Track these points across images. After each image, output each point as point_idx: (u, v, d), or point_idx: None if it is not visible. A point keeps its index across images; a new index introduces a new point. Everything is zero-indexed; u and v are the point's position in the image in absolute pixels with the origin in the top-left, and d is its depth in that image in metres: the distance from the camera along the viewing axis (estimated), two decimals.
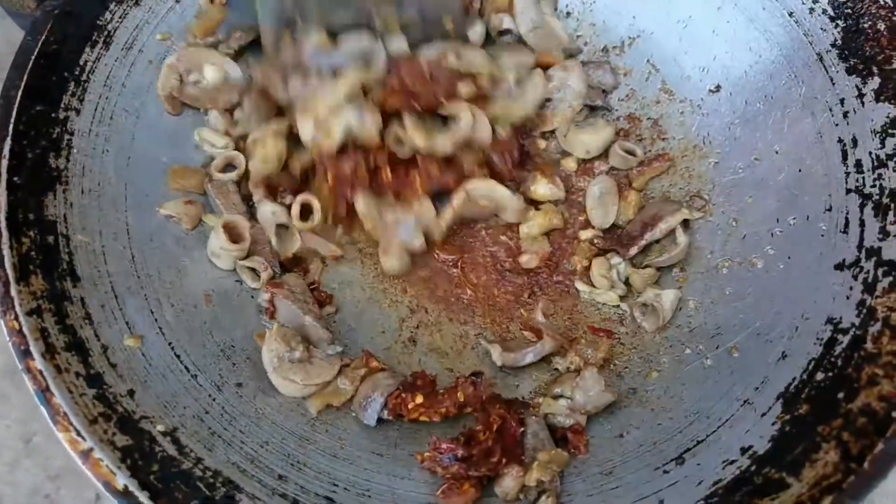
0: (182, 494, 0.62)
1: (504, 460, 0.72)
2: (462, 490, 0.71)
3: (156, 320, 0.76)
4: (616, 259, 0.89)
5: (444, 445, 0.72)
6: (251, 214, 0.88)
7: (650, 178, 0.96)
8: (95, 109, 0.82)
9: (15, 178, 0.71)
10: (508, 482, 0.71)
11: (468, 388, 0.77)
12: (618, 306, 0.88)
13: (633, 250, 0.88)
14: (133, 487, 0.60)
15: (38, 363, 0.63)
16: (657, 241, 0.89)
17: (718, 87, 0.94)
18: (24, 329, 0.64)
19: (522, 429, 0.75)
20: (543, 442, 0.75)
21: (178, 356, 0.75)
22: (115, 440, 0.63)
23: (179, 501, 0.62)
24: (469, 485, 0.71)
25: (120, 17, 0.85)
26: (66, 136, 0.78)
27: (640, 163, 0.96)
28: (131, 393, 0.68)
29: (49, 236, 0.72)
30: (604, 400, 0.78)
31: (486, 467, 0.71)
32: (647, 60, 0.99)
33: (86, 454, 0.61)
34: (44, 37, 0.78)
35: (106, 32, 0.84)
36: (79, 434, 0.61)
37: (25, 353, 0.64)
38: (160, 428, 0.67)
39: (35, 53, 0.77)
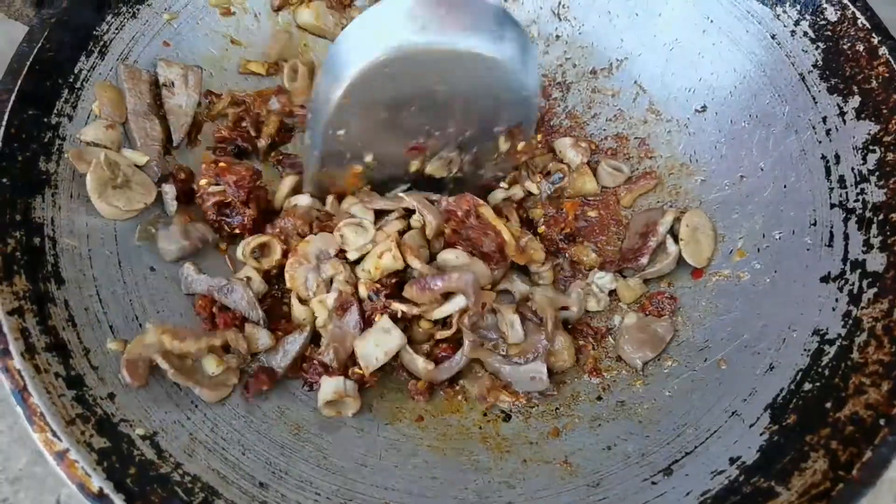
0: (159, 498, 0.61)
1: None
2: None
3: (140, 326, 0.75)
4: (599, 273, 0.90)
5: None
6: (158, 106, 0.89)
7: (638, 196, 0.97)
8: (88, 117, 0.83)
9: (3, 180, 0.71)
10: None
11: None
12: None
13: (644, 259, 0.89)
14: (109, 490, 0.59)
15: (17, 363, 0.62)
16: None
17: (704, 107, 0.96)
18: (4, 328, 0.63)
19: None
20: None
21: None
22: (93, 442, 0.62)
23: None
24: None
25: (116, 29, 0.87)
26: (58, 141, 0.78)
27: (628, 180, 0.97)
28: (111, 396, 0.67)
29: (35, 238, 0.72)
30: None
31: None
32: (635, 82, 1.01)
33: (61, 455, 0.59)
34: (39, 44, 0.79)
35: (102, 43, 0.85)
36: (55, 435, 0.60)
37: (4, 353, 0.63)
38: (139, 432, 0.66)
39: (31, 59, 0.78)
